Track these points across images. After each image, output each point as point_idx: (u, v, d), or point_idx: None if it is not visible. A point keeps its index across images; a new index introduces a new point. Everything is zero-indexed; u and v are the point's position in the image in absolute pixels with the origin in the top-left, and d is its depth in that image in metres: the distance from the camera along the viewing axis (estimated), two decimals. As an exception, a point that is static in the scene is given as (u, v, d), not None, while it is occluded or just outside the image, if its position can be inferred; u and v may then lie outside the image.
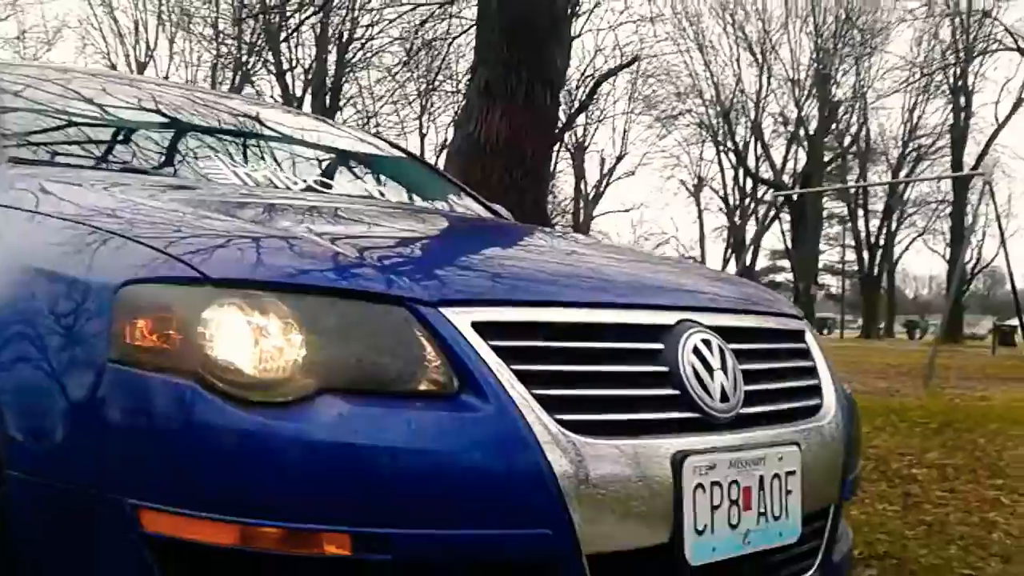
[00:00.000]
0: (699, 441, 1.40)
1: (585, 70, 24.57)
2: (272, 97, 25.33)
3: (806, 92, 31.27)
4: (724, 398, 1.47)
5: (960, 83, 29.17)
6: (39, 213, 1.63)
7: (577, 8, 18.12)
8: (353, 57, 26.66)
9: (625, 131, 32.21)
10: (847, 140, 33.86)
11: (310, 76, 26.99)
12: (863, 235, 36.64)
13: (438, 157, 24.21)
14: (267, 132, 2.84)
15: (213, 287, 1.27)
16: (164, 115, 2.58)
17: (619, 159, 32.75)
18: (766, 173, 33.18)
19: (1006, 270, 12.63)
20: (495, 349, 1.28)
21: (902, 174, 31.78)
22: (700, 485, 1.36)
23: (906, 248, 39.54)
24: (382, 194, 2.66)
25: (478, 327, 1.29)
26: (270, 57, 26.31)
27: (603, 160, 33.70)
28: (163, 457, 1.20)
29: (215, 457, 1.18)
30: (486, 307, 1.33)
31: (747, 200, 34.96)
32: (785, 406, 1.62)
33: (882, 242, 36.65)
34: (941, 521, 3.15)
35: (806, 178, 29.86)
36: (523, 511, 1.22)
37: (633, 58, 21.33)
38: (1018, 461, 4.33)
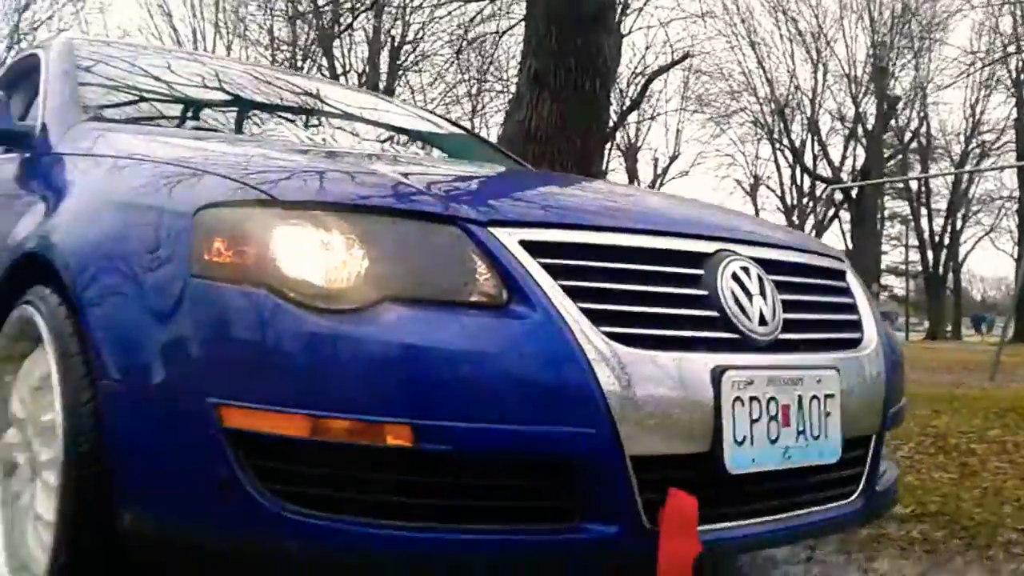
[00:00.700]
0: (737, 358, 1.47)
1: (636, 68, 24.58)
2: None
3: (863, 88, 30.75)
4: (763, 322, 1.54)
5: (1023, 76, 28.39)
6: (121, 158, 1.77)
7: (627, 2, 18.11)
8: (405, 60, 27.02)
9: (678, 130, 32.06)
10: (907, 136, 33.17)
11: (363, 80, 27.41)
12: (926, 234, 35.81)
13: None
14: (329, 107, 2.97)
15: (283, 208, 1.39)
16: (229, 88, 2.73)
17: (672, 159, 32.57)
18: (824, 171, 32.67)
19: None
20: (543, 266, 1.37)
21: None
22: (739, 399, 1.43)
23: (972, 248, 38.59)
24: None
25: (526, 245, 1.39)
26: (323, 61, 26.78)
27: (656, 160, 33.54)
28: (241, 359, 1.32)
29: (288, 357, 1.30)
30: (534, 228, 1.43)
31: (805, 199, 34.46)
32: (824, 335, 1.68)
33: (946, 241, 35.79)
34: (997, 488, 3.14)
35: (865, 175, 29.32)
36: (569, 411, 1.31)
37: (684, 55, 21.23)
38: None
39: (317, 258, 1.34)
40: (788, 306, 1.61)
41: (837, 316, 1.75)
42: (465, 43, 18.69)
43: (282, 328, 1.30)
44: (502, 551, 1.30)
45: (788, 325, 1.59)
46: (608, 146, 23.97)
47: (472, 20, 16.39)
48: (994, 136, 31.61)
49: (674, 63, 20.67)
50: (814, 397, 1.54)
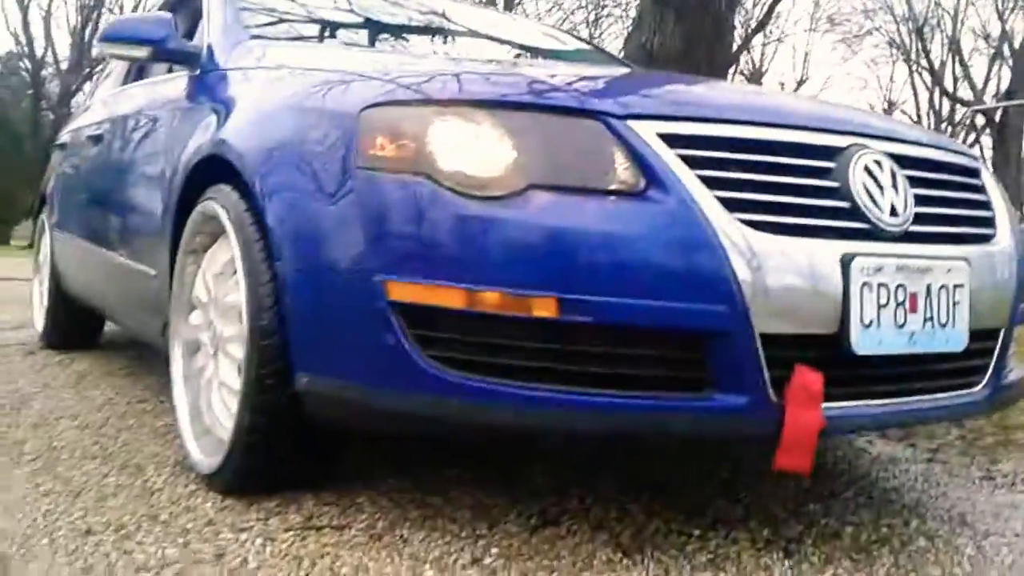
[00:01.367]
0: (866, 247, 1.53)
1: (763, -12, 23.54)
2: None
3: (1012, 3, 28.53)
4: (893, 213, 1.59)
5: None
6: (287, 68, 1.94)
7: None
8: (525, -12, 26.72)
9: (806, 53, 30.71)
10: (1060, 55, 30.70)
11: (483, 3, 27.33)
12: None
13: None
14: (459, 24, 3.08)
15: (438, 106, 1.52)
16: (370, 7, 2.88)
17: (800, 83, 31.29)
18: (965, 94, 30.73)
19: None
20: (679, 156, 1.46)
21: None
22: (867, 284, 1.49)
23: None
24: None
25: (663, 136, 1.47)
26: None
27: (782, 85, 32.29)
28: (403, 240, 1.47)
29: (446, 238, 1.44)
30: (670, 121, 1.51)
31: (943, 124, 32.57)
32: (956, 229, 1.71)
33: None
34: None
35: (1010, 98, 27.44)
36: (702, 289, 1.41)
37: (816, -29, 20.22)
38: None
39: (470, 150, 1.47)
40: (920, 200, 1.65)
41: (969, 212, 1.77)
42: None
43: (440, 212, 1.44)
44: (639, 415, 1.42)
45: (919, 218, 1.63)
46: (731, 71, 23.17)
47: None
48: None
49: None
50: (943, 286, 1.59)
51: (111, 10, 25.60)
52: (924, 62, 30.98)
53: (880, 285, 1.51)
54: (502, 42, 3.13)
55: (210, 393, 1.90)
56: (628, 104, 1.53)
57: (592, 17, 26.49)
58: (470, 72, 1.76)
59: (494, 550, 1.57)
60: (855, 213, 1.55)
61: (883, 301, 1.51)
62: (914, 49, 30.64)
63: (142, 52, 2.36)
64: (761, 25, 22.84)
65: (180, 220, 2.08)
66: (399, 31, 2.89)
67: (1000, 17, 28.95)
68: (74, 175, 3.36)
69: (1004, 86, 29.83)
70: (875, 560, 1.61)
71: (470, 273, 1.42)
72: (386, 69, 1.79)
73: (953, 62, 30.86)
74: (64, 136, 3.88)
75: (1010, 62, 29.19)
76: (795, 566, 1.56)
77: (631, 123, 1.48)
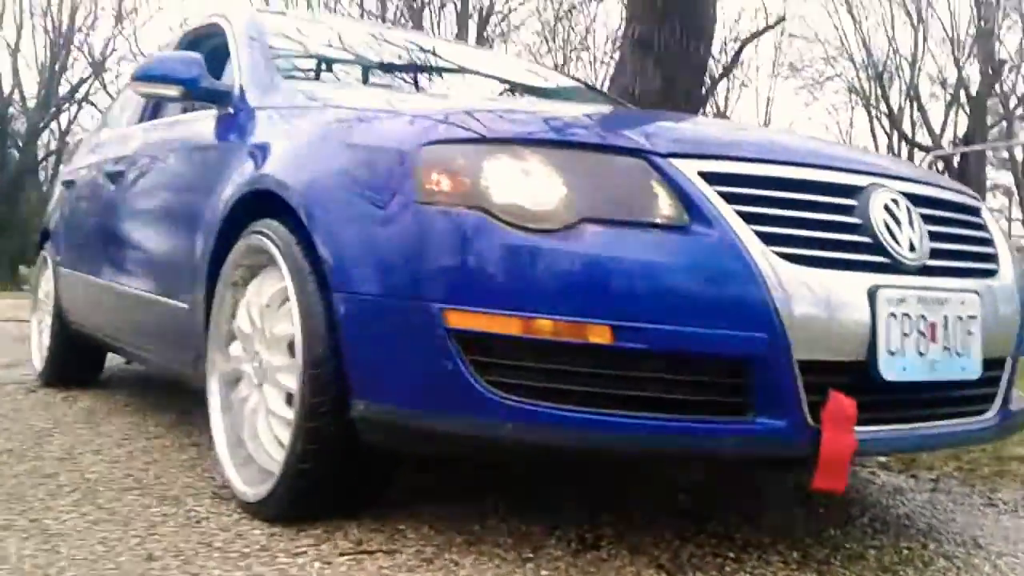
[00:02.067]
0: (890, 279, 1.64)
1: (729, 34, 24.15)
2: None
3: (966, 51, 29.54)
4: (911, 248, 1.70)
5: None
6: (331, 106, 2.03)
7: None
8: (494, 31, 27.16)
9: (768, 98, 31.35)
10: (1013, 102, 31.77)
11: (454, 51, 27.65)
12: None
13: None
14: (468, 64, 3.22)
15: (492, 144, 1.62)
16: (389, 48, 3.00)
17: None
18: (923, 139, 31.56)
19: None
20: (718, 192, 1.57)
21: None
22: (892, 314, 1.60)
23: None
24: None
25: (703, 174, 1.58)
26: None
27: (746, 129, 32.82)
28: (462, 270, 1.55)
29: (503, 268, 1.53)
30: (708, 160, 1.62)
31: (901, 168, 33.31)
32: (965, 264, 1.83)
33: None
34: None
35: (968, 143, 28.26)
36: (745, 318, 1.51)
37: (779, 18, 20.85)
38: None
39: (524, 185, 1.56)
40: (932, 235, 1.77)
41: (975, 248, 1.90)
42: (550, 18, 18.72)
43: (497, 244, 1.53)
44: (688, 438, 1.51)
45: (933, 252, 1.75)
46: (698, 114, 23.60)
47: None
48: (1108, 101, 30.00)
49: (770, 27, 20.30)
50: (958, 317, 1.70)
51: (79, 48, 25.59)
52: (883, 108, 31.83)
53: (904, 315, 1.62)
54: (505, 80, 3.26)
55: (255, 422, 1.95)
56: (669, 143, 1.64)
57: (560, 60, 26.96)
58: (518, 112, 1.87)
59: (544, 572, 1.63)
60: (877, 248, 1.67)
61: (907, 330, 1.62)
62: (873, 95, 31.50)
63: (174, 91, 2.44)
64: (728, 70, 23.42)
65: (217, 254, 2.14)
66: (414, 70, 3.01)
67: (956, 64, 29.90)
68: (87, 212, 3.39)
69: (961, 131, 30.74)
70: (902, 577, 1.70)
71: (527, 302, 1.51)
72: (439, 108, 1.88)
73: (911, 108, 31.74)
74: (70, 173, 3.92)
75: (966, 108, 30.11)
76: (829, 583, 1.65)
77: (673, 161, 1.58)
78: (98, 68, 25.38)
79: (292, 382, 1.81)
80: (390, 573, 1.60)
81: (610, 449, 1.53)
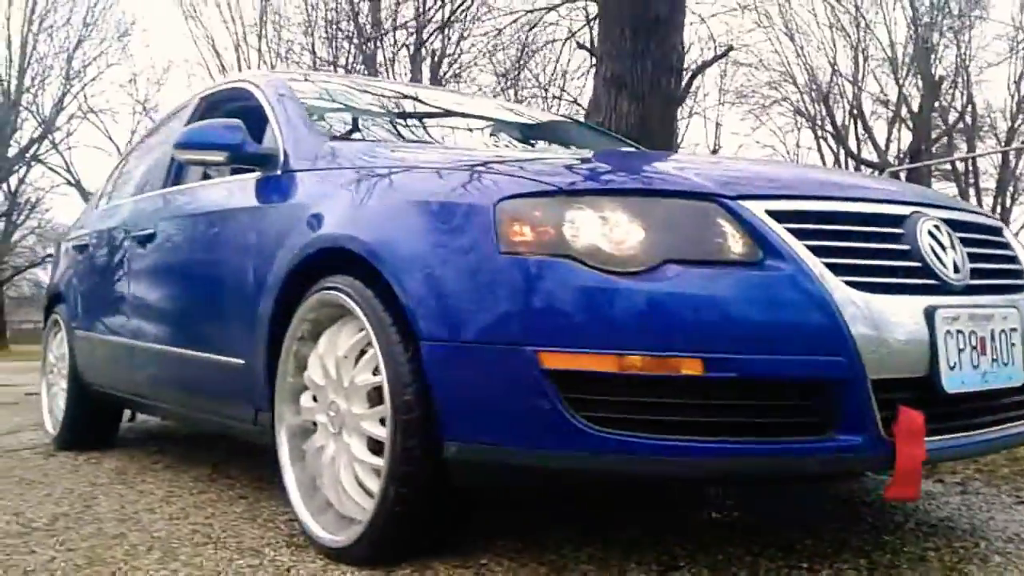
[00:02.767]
0: (943, 300, 1.77)
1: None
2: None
3: (906, 69, 30.54)
4: (956, 270, 1.84)
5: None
6: (390, 167, 2.12)
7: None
8: (447, 72, 27.49)
9: (717, 124, 32.05)
10: (952, 116, 32.84)
11: (407, 93, 27.89)
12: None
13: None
14: (493, 115, 3.34)
15: (569, 196, 1.72)
16: (413, 104, 3.11)
17: (713, 152, 32.64)
18: (869, 155, 32.42)
19: None
20: (787, 229, 1.68)
21: (1013, 146, 30.63)
22: (948, 332, 1.73)
23: (1023, 225, 37.96)
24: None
25: (770, 213, 1.70)
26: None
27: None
28: (554, 314, 1.64)
29: (593, 310, 1.62)
30: (773, 200, 1.74)
31: (850, 185, 34.15)
32: (1001, 281, 1.97)
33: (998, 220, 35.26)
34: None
35: (913, 156, 29.10)
36: (823, 344, 1.61)
37: (728, 48, 21.36)
38: None
39: (604, 232, 1.67)
40: (971, 256, 1.91)
41: (1006, 265, 2.04)
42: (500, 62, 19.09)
43: (586, 288, 1.63)
44: (777, 459, 1.61)
45: (973, 272, 1.88)
46: (653, 143, 24.02)
47: (499, 32, 16.75)
48: (1042, 110, 31.15)
49: (718, 56, 20.75)
50: (1002, 331, 1.84)
51: (28, 109, 25.30)
52: (829, 127, 32.67)
53: (958, 332, 1.74)
54: (515, 123, 3.40)
55: (335, 471, 2.01)
56: (736, 186, 1.75)
57: (513, 97, 27.29)
58: (584, 163, 1.99)
59: (639, 594, 1.71)
60: (927, 271, 1.80)
61: (961, 346, 1.75)
62: (819, 115, 32.32)
63: (219, 156, 2.51)
64: (681, 99, 23.99)
65: (279, 311, 2.21)
66: (429, 118, 3.12)
67: (897, 82, 30.84)
68: (111, 275, 3.42)
69: (904, 146, 31.68)
70: (971, 576, 1.81)
71: (618, 340, 1.60)
72: (507, 163, 1.98)
73: (856, 126, 32.66)
74: (80, 238, 3.93)
75: (909, 123, 31.05)
76: (908, 586, 1.76)
77: (742, 203, 1.70)
78: (48, 127, 25.13)
79: (376, 429, 1.88)
80: (493, 607, 1.67)
81: (705, 474, 1.63)
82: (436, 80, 27.33)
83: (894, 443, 1.64)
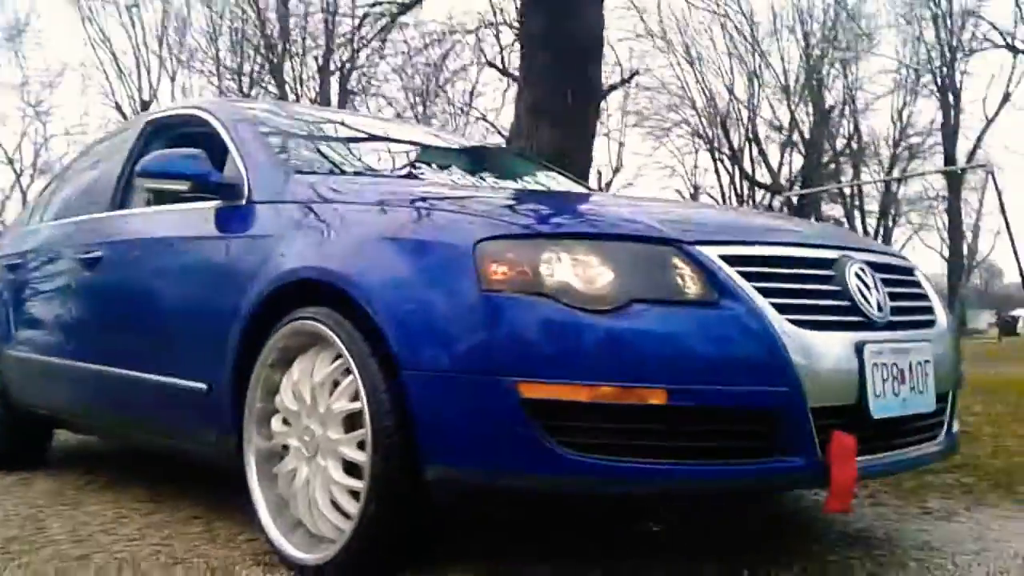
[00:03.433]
0: (870, 335, 1.99)
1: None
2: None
3: (798, 98, 32.03)
4: (879, 308, 2.07)
5: (948, 81, 30.00)
6: (370, 202, 2.23)
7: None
8: (357, 84, 27.36)
9: (620, 144, 32.92)
10: (840, 142, 34.56)
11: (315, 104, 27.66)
12: (860, 235, 37.23)
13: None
14: (436, 144, 3.48)
15: (543, 238, 1.88)
16: (378, 136, 3.23)
17: (616, 171, 33.47)
18: (763, 177, 33.80)
19: (1012, 260, 13.16)
20: (738, 272, 1.88)
21: (895, 172, 32.49)
22: (875, 364, 1.95)
23: (903, 246, 40.16)
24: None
25: (723, 257, 1.89)
26: (273, 89, 26.95)
27: (600, 173, 34.36)
28: (532, 347, 1.79)
29: (567, 344, 1.78)
30: (725, 245, 1.93)
31: (745, 204, 35.57)
32: (916, 317, 2.22)
33: (879, 241, 37.29)
34: (1003, 447, 3.75)
35: (805, 179, 30.55)
36: (771, 375, 1.81)
37: (634, 72, 22.08)
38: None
39: (577, 273, 1.83)
40: (890, 296, 2.14)
41: (919, 303, 2.30)
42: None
43: (562, 323, 1.78)
44: (728, 479, 1.80)
45: (892, 310, 2.12)
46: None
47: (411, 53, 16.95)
48: (921, 139, 33.15)
49: (625, 80, 21.42)
50: (918, 363, 2.08)
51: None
52: (726, 149, 33.93)
53: (883, 364, 1.97)
54: (457, 151, 3.54)
55: (309, 492, 2.10)
56: (692, 233, 1.94)
57: (421, 114, 27.40)
58: (555, 206, 2.15)
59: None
60: (856, 309, 2.02)
61: (885, 376, 1.98)
62: (716, 138, 33.54)
63: (183, 186, 2.56)
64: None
65: (247, 339, 2.29)
66: (411, 155, 3.24)
67: (790, 109, 32.28)
68: (49, 296, 3.39)
69: (796, 169, 33.19)
70: (892, 581, 2.04)
71: (590, 372, 1.76)
72: (477, 203, 2.13)
73: (751, 149, 34.03)
74: (11, 256, 3.85)
75: (801, 148, 32.54)
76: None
77: (699, 248, 1.89)
78: None
79: (354, 452, 1.99)
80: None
81: (672, 492, 1.80)
82: (344, 93, 27.21)
83: (829, 464, 1.85)
